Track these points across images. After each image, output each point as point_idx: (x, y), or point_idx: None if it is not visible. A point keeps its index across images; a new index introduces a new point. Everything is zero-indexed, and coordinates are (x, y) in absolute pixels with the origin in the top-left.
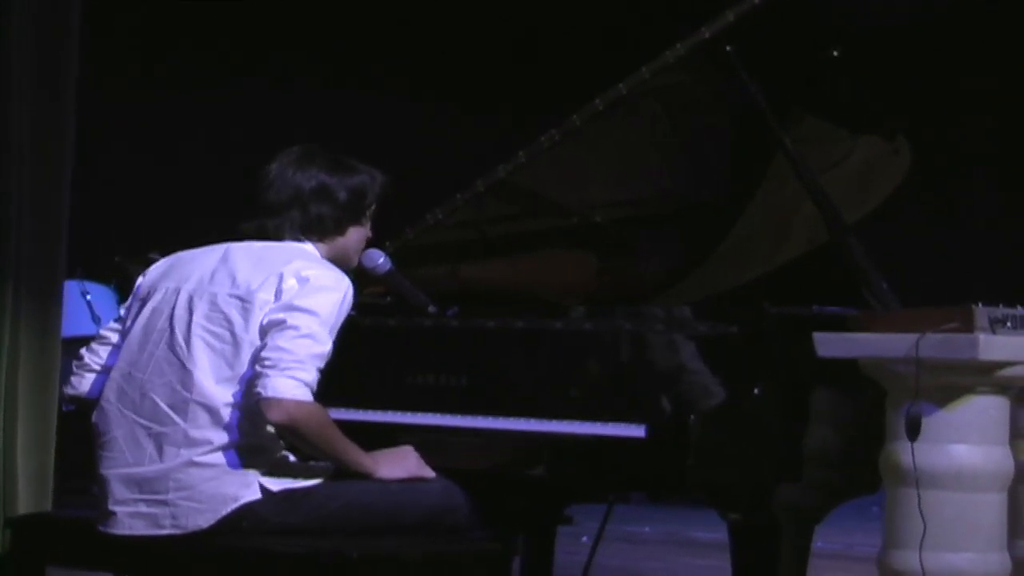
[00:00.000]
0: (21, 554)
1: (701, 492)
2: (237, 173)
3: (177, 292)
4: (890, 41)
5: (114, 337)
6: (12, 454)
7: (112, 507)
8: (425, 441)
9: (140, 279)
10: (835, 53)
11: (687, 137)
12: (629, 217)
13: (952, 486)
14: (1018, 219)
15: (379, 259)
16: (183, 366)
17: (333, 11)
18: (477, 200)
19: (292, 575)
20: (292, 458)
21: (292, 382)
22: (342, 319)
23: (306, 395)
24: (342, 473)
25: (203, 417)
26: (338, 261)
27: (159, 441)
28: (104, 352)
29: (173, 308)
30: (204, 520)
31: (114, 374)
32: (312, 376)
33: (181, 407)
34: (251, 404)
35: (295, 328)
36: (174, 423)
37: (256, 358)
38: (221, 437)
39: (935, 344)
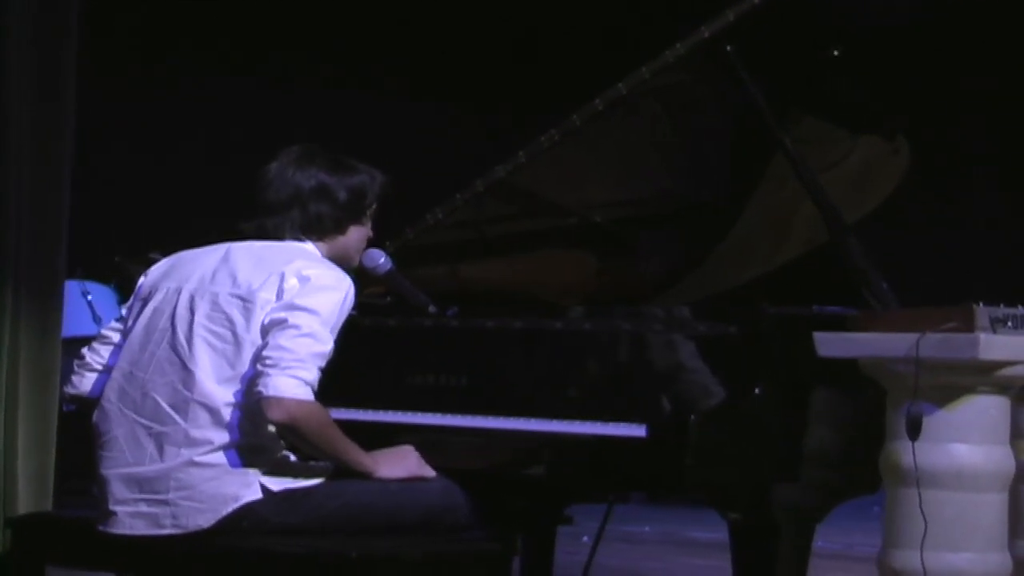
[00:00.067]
0: (21, 554)
1: (701, 492)
2: (237, 173)
3: (178, 292)
4: (890, 41)
5: (115, 337)
6: (12, 454)
7: (112, 507)
8: (425, 441)
9: (141, 279)
10: (835, 53)
11: (687, 137)
12: (628, 217)
13: (952, 486)
14: (1018, 219)
15: (379, 259)
16: (184, 366)
17: (333, 11)
18: (477, 200)
19: (292, 575)
20: (292, 458)
21: (293, 381)
22: (343, 318)
23: (307, 394)
24: (342, 473)
25: (204, 417)
26: (339, 260)
27: (160, 441)
28: (105, 352)
29: (175, 308)
30: (204, 520)
31: (115, 374)
32: (313, 375)
33: (182, 407)
34: (252, 404)
35: (296, 327)
36: (175, 423)
37: (257, 357)
38: (222, 437)
39: (935, 344)
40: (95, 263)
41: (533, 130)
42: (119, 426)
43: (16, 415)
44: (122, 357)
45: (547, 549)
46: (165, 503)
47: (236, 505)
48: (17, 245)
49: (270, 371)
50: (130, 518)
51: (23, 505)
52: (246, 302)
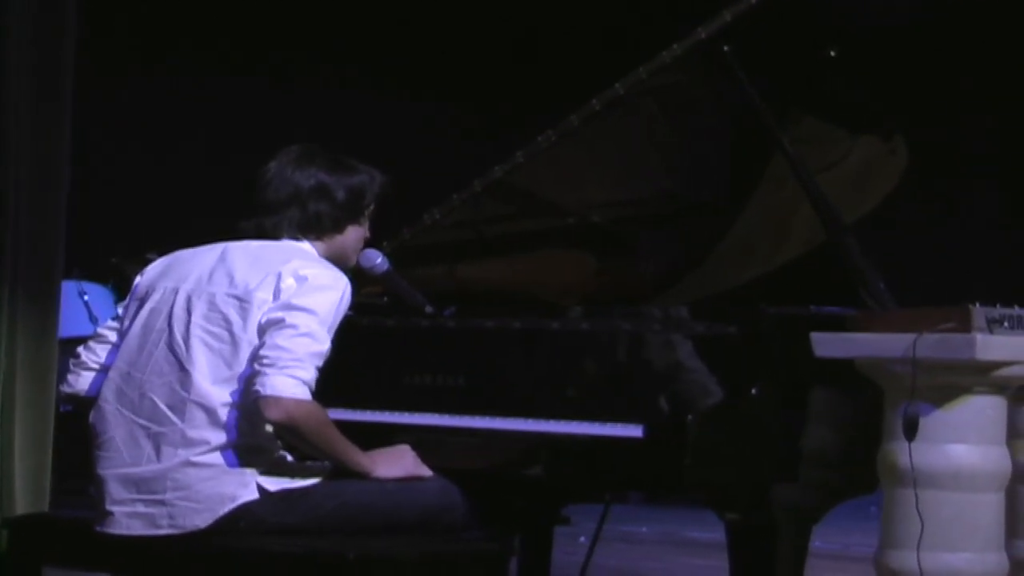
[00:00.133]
0: (18, 554)
1: (699, 492)
2: (235, 173)
3: (175, 292)
4: (890, 41)
5: (112, 336)
6: (10, 454)
7: (110, 507)
8: (422, 441)
9: (138, 278)
10: (832, 53)
11: (685, 137)
12: (627, 217)
13: (950, 486)
14: (1015, 219)
15: (377, 259)
16: (181, 366)
17: (333, 11)
18: (474, 200)
19: (290, 575)
20: (290, 458)
21: (291, 380)
22: (340, 318)
23: (305, 394)
24: (339, 473)
25: (201, 417)
26: (336, 260)
27: (157, 441)
28: (102, 351)
29: (171, 308)
30: (202, 520)
31: (112, 374)
32: (311, 375)
33: (179, 407)
34: (249, 404)
35: (294, 327)
36: (172, 423)
37: (255, 357)
38: (219, 437)
39: (932, 344)
40: (92, 263)
41: (533, 130)
42: (116, 426)
43: (13, 415)
44: (119, 357)
45: (545, 549)
46: (162, 503)
47: (233, 505)
48: (14, 245)
49: (268, 371)
50: (127, 518)
51: (20, 505)
52: (243, 302)
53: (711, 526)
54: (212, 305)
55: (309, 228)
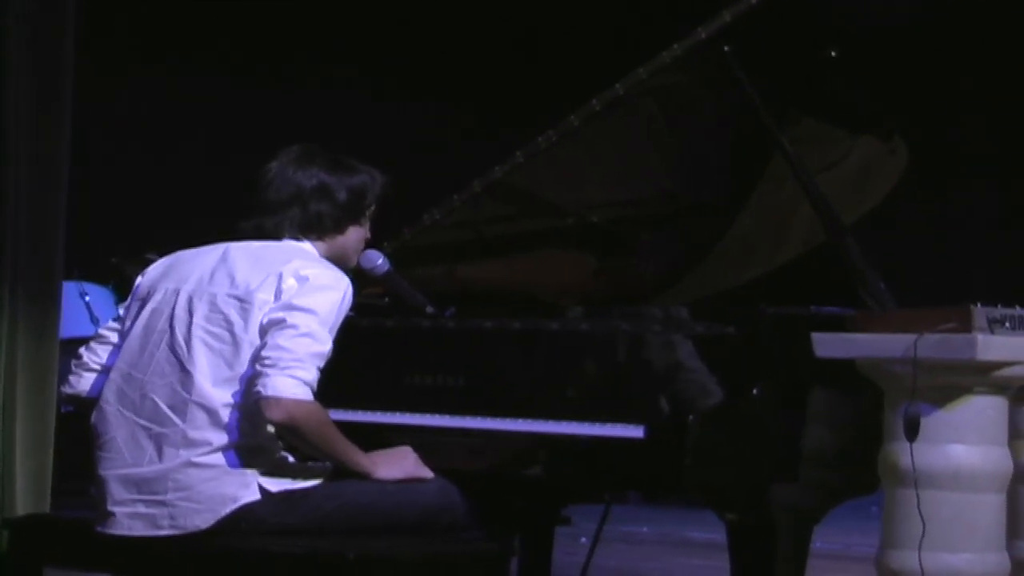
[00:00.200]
0: (19, 555)
1: (699, 492)
2: (235, 174)
3: (177, 293)
4: (890, 41)
5: (113, 337)
6: (11, 455)
7: (111, 508)
8: (423, 442)
9: (139, 279)
10: (832, 54)
11: (685, 138)
12: (627, 217)
13: (950, 486)
14: (1015, 219)
15: (377, 260)
16: (183, 367)
17: (333, 11)
18: (474, 201)
19: (290, 575)
20: (291, 459)
21: (292, 381)
22: (341, 318)
23: (306, 394)
24: (340, 473)
25: (202, 418)
26: (337, 261)
27: (159, 442)
28: (103, 352)
29: (173, 309)
30: (203, 521)
31: (113, 375)
32: (312, 375)
33: (180, 408)
34: (250, 404)
35: (295, 327)
36: (173, 424)
37: (256, 358)
38: (220, 438)
39: (933, 344)
40: (92, 264)
41: (532, 130)
42: (118, 427)
43: (14, 416)
44: (120, 358)
45: (545, 550)
46: (163, 504)
47: (234, 506)
48: (15, 246)
49: (269, 371)
50: (128, 519)
51: (21, 506)
52: (244, 303)
53: (711, 526)
54: (213, 306)
55: (310, 228)
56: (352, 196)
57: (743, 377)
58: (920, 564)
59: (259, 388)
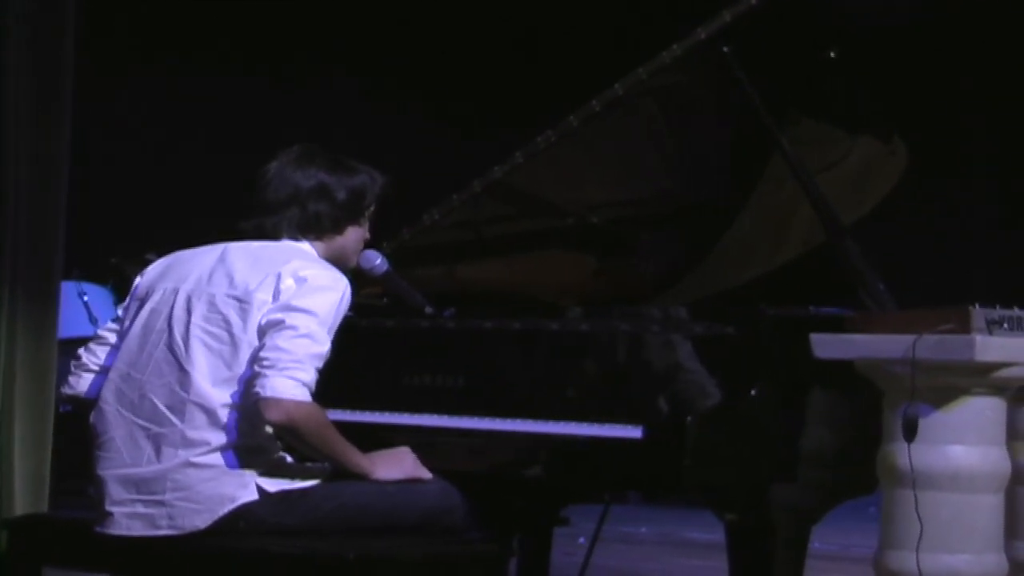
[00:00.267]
0: (18, 555)
1: (698, 493)
2: (235, 174)
3: (175, 292)
4: (890, 41)
5: (112, 337)
6: (9, 455)
7: (109, 508)
8: (422, 442)
9: (138, 279)
10: (832, 54)
11: (685, 138)
12: (627, 217)
13: (949, 487)
14: (1017, 219)
15: (376, 260)
16: (181, 367)
17: (333, 11)
18: (474, 201)
19: (289, 575)
20: (289, 459)
21: (291, 382)
22: (340, 319)
23: (305, 395)
24: (339, 474)
25: (200, 418)
26: (336, 261)
27: (157, 442)
28: (102, 352)
29: (171, 309)
30: (201, 521)
31: (112, 375)
32: (311, 376)
33: (179, 408)
34: (249, 405)
35: (293, 328)
36: (172, 424)
37: (254, 358)
38: (219, 438)
39: (932, 345)
40: (92, 264)
41: (533, 130)
42: (117, 427)
43: (12, 416)
44: (119, 358)
45: (544, 550)
46: (161, 504)
47: (233, 506)
48: (14, 245)
49: (268, 372)
50: (127, 519)
51: (20, 506)
52: (243, 303)
53: (710, 527)
54: (212, 306)
55: (309, 228)
56: (351, 196)
57: (742, 377)
58: (918, 565)
59: (258, 389)
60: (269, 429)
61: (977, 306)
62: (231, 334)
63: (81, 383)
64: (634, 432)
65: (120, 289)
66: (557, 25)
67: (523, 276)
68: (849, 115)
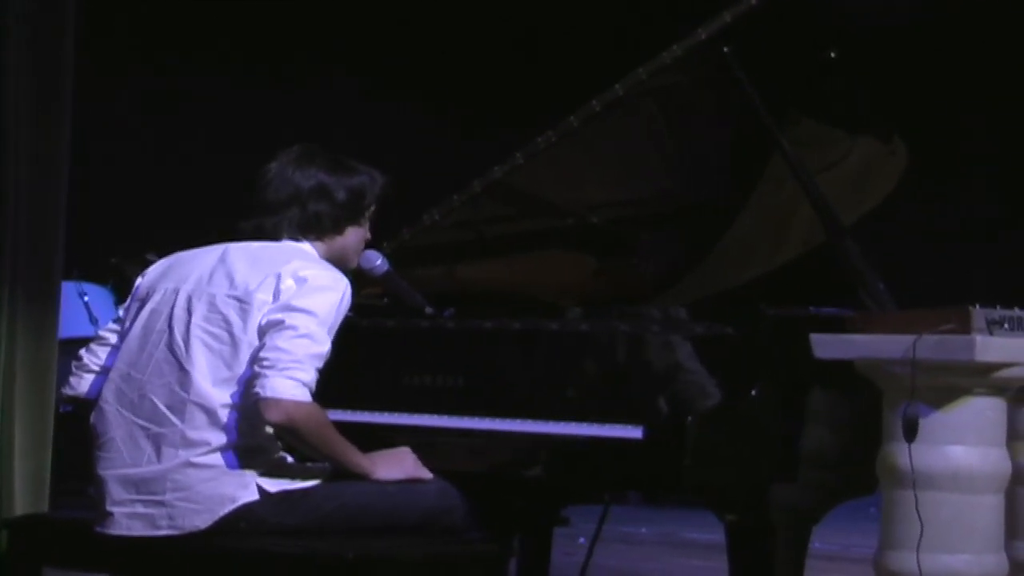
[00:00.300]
0: (18, 555)
1: (698, 493)
2: (235, 174)
3: (176, 293)
4: (889, 41)
5: (113, 338)
6: (9, 455)
7: (109, 508)
8: (422, 442)
9: (139, 280)
10: (832, 54)
11: (685, 138)
12: (627, 217)
13: (949, 487)
14: (1017, 219)
15: (376, 260)
16: (181, 367)
17: (333, 11)
18: (474, 201)
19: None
20: (290, 459)
21: (291, 382)
22: (340, 319)
23: (305, 395)
24: (339, 474)
25: (200, 418)
26: (337, 261)
27: (157, 442)
28: (103, 353)
29: (172, 309)
30: (201, 521)
31: (112, 375)
32: (311, 376)
33: (179, 408)
34: (249, 405)
35: (293, 328)
36: (172, 424)
37: (254, 359)
38: (219, 438)
39: (932, 345)
40: (92, 264)
41: (533, 130)
42: (117, 427)
43: (13, 416)
44: (120, 358)
45: (544, 550)
46: (162, 504)
47: (233, 506)
48: (14, 245)
49: (268, 372)
50: (127, 519)
51: (20, 506)
52: (243, 303)
53: (710, 527)
54: (212, 306)
55: (309, 228)
56: (351, 196)
57: (742, 378)
58: (918, 565)
59: (258, 389)
60: (269, 429)
61: (977, 306)
62: (231, 334)
63: (82, 383)
64: (634, 432)
65: (120, 289)
66: (557, 25)
67: (523, 276)
68: (849, 115)
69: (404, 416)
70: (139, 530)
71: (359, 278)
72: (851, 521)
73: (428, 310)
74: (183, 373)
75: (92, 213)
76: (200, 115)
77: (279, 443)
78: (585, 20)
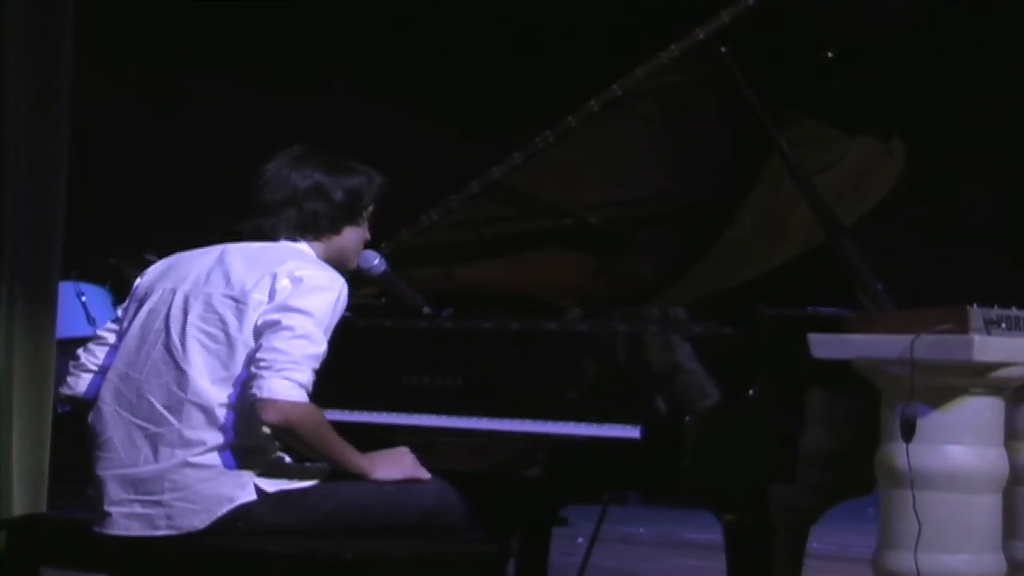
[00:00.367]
0: (16, 555)
1: (696, 493)
2: (234, 174)
3: (173, 293)
4: (888, 41)
5: (111, 338)
6: (7, 455)
7: (108, 508)
8: (420, 442)
9: (138, 280)
10: (830, 54)
11: (683, 138)
12: (625, 218)
13: (947, 487)
14: (1017, 219)
15: (374, 260)
16: (178, 366)
17: (333, 11)
18: (472, 201)
19: None
20: (287, 459)
21: (287, 383)
22: (337, 319)
23: (301, 396)
24: (338, 474)
25: (197, 417)
26: (335, 262)
27: (154, 442)
28: (101, 353)
29: (169, 309)
30: (199, 521)
31: (110, 375)
32: (307, 377)
33: (176, 407)
34: (246, 405)
35: (290, 329)
36: (169, 423)
37: (251, 359)
38: (216, 438)
39: (930, 345)
40: (90, 264)
41: (532, 130)
42: (115, 427)
43: (11, 416)
44: (118, 358)
45: (542, 550)
46: (160, 504)
47: (231, 506)
48: (13, 245)
49: (264, 373)
50: (125, 519)
51: (18, 506)
52: (239, 303)
53: (709, 527)
54: (208, 306)
55: (306, 229)
56: (348, 196)
57: (741, 378)
58: (916, 565)
59: (254, 390)
60: (267, 429)
61: (975, 306)
62: (227, 334)
63: (80, 383)
64: (633, 432)
65: (118, 289)
66: (557, 25)
67: (522, 276)
68: (847, 115)
69: (402, 416)
70: (137, 530)
71: (357, 278)
72: (849, 521)
73: (426, 310)
74: (180, 373)
75: (91, 213)
76: (200, 115)
77: (277, 443)
78: (584, 20)
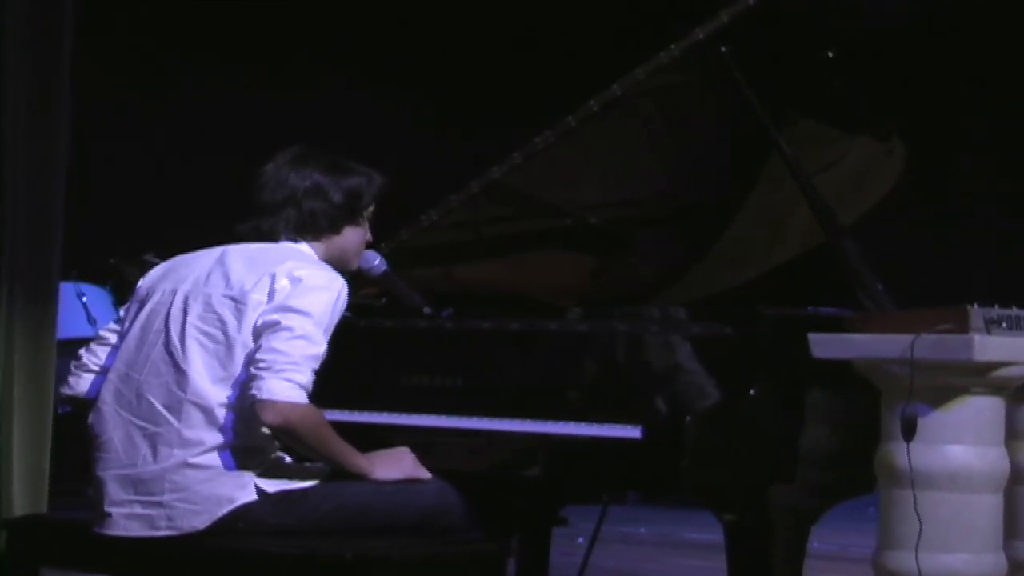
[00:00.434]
0: (16, 556)
1: (697, 493)
2: (234, 174)
3: (173, 293)
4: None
5: (112, 338)
6: (8, 455)
7: (108, 508)
8: (420, 442)
9: (140, 281)
10: (830, 54)
11: (683, 138)
12: (625, 218)
13: (947, 487)
14: (1017, 220)
15: (374, 260)
16: (178, 366)
17: (333, 11)
18: (472, 201)
19: None
20: (287, 459)
21: (287, 384)
22: (336, 319)
23: (301, 397)
24: (338, 474)
25: (197, 417)
26: (336, 263)
27: (154, 441)
28: (102, 353)
29: (169, 309)
30: (200, 521)
31: (111, 375)
32: (307, 377)
33: (176, 407)
34: (246, 405)
35: (289, 329)
36: (168, 423)
37: (250, 360)
38: (215, 438)
39: (930, 345)
40: (90, 264)
41: (532, 130)
42: (115, 427)
43: (11, 416)
44: (118, 358)
45: (542, 550)
46: (160, 504)
47: (231, 507)
48: (13, 246)
49: (263, 374)
50: (125, 519)
51: (18, 507)
52: (238, 303)
53: (709, 527)
54: (208, 306)
55: (305, 229)
56: (347, 197)
57: (741, 378)
58: (917, 565)
59: (254, 391)
60: (266, 430)
61: (975, 306)
62: (226, 334)
63: (81, 384)
64: (633, 432)
65: (119, 290)
66: (557, 25)
67: (522, 276)
68: (847, 115)
69: (402, 416)
70: (137, 531)
71: (357, 278)
72: (849, 521)
73: (426, 310)
74: (180, 373)
75: (91, 213)
76: (200, 115)
77: (276, 443)
78: (584, 20)
